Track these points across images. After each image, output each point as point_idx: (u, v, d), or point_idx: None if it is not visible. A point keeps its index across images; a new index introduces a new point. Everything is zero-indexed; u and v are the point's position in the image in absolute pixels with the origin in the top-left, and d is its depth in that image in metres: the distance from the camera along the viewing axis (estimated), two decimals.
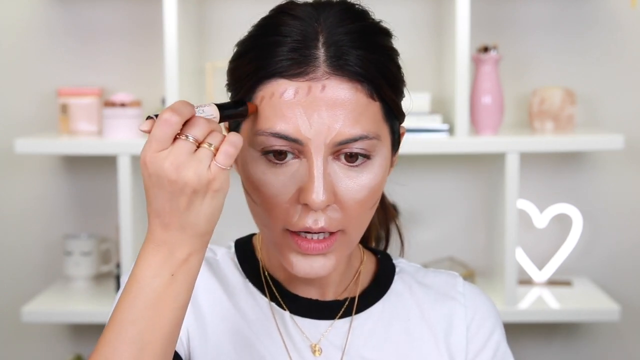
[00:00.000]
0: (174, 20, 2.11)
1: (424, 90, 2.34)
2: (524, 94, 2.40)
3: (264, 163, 0.96)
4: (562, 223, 2.41)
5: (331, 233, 0.97)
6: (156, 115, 0.87)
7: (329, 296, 1.08)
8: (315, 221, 0.95)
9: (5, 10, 2.39)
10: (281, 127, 0.94)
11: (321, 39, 0.95)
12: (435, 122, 2.19)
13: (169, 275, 0.88)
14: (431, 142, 2.16)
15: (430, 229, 2.42)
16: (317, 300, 1.07)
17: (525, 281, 2.37)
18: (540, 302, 2.26)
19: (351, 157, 0.95)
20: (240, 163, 0.99)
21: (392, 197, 1.21)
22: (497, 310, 1.13)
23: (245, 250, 1.11)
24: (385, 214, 1.20)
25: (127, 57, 2.39)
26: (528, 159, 2.33)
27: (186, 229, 0.88)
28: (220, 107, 0.92)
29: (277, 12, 0.99)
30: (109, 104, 2.18)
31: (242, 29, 1.02)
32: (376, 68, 0.96)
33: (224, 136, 0.88)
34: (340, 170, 0.96)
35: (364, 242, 1.18)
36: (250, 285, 1.08)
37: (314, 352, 1.05)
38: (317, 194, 0.93)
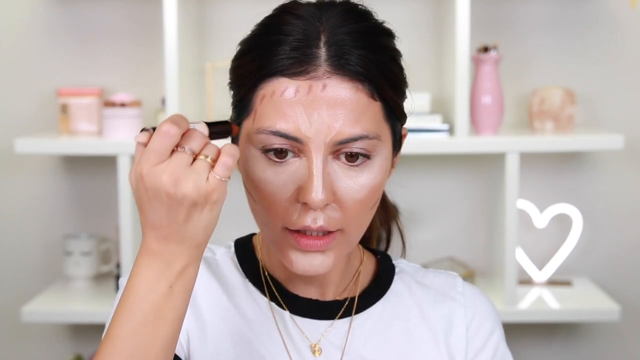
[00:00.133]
0: (174, 20, 2.11)
1: (424, 90, 2.34)
2: (524, 94, 2.40)
3: (264, 161, 0.96)
4: (562, 223, 2.41)
5: (330, 232, 0.97)
6: (153, 128, 0.87)
7: (329, 296, 1.08)
8: (314, 220, 0.95)
9: (5, 10, 2.39)
10: (281, 125, 0.94)
11: (323, 38, 0.95)
12: (435, 122, 2.19)
13: (167, 287, 0.88)
14: (431, 142, 2.16)
15: (430, 229, 2.43)
16: (317, 300, 1.07)
17: (525, 281, 2.37)
18: (540, 302, 2.26)
19: (351, 157, 0.95)
20: (242, 161, 0.99)
21: (392, 197, 1.21)
22: (497, 311, 1.13)
23: (245, 250, 1.11)
24: (387, 214, 1.20)
25: (127, 57, 2.39)
26: (528, 159, 2.34)
27: (184, 241, 0.87)
28: (207, 125, 0.91)
29: (280, 11, 1.00)
30: (109, 104, 2.18)
31: (242, 29, 1.03)
32: (378, 68, 0.96)
33: (220, 148, 0.88)
34: (340, 170, 0.96)
35: (365, 242, 1.18)
36: (250, 285, 1.08)
37: (313, 352, 1.05)
38: (316, 193, 0.93)
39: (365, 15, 1.00)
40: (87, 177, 2.43)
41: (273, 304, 1.07)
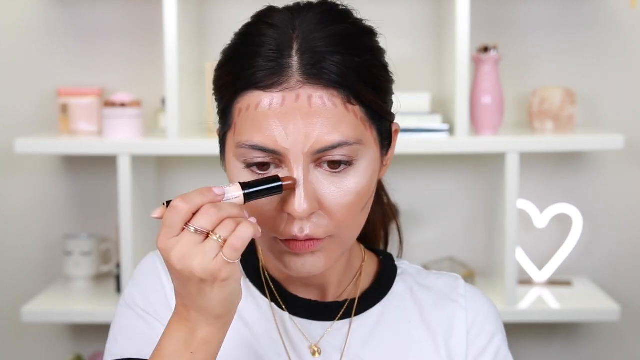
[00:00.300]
0: (174, 20, 2.11)
1: (424, 90, 2.34)
2: (524, 94, 2.40)
3: (247, 174, 0.96)
4: (562, 223, 2.41)
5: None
6: (169, 202, 0.88)
7: (329, 297, 1.08)
8: (301, 229, 0.95)
9: (5, 10, 2.39)
10: (258, 139, 0.93)
11: (295, 47, 0.94)
12: (435, 122, 2.18)
13: (189, 353, 0.90)
14: (431, 142, 2.16)
15: (430, 229, 2.42)
16: (316, 302, 1.07)
17: (525, 281, 2.37)
18: (540, 302, 2.26)
19: (333, 164, 0.95)
20: (228, 174, 0.99)
21: (391, 197, 1.21)
22: (499, 314, 1.13)
23: (247, 250, 1.10)
24: (384, 214, 1.19)
25: (127, 57, 2.39)
26: (528, 159, 2.34)
27: (202, 312, 0.90)
28: (249, 185, 0.91)
29: (256, 20, 0.99)
30: (109, 104, 2.18)
31: None
32: (355, 72, 0.94)
33: (237, 224, 0.88)
34: (323, 178, 0.95)
35: (370, 242, 1.18)
36: (250, 285, 1.08)
37: (313, 353, 1.05)
38: (299, 204, 0.93)
39: (342, 16, 0.98)
40: (87, 177, 2.43)
41: (273, 304, 1.07)
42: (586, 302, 2.26)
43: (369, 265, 1.13)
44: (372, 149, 0.98)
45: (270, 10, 0.99)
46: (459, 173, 2.42)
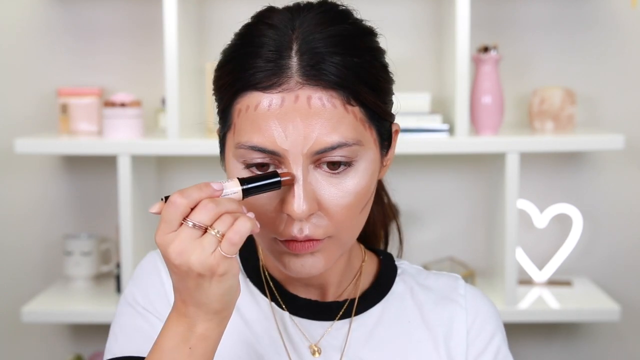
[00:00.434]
0: (174, 20, 2.11)
1: (424, 90, 2.34)
2: (524, 94, 2.40)
3: (247, 175, 0.96)
4: (562, 223, 2.41)
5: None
6: (167, 197, 0.88)
7: (329, 297, 1.08)
8: (300, 230, 0.95)
9: (5, 10, 2.39)
10: (258, 139, 0.94)
11: (294, 48, 0.94)
12: (435, 122, 2.18)
13: (187, 348, 0.90)
14: (431, 142, 2.16)
15: (430, 229, 2.42)
16: (316, 301, 1.07)
17: (525, 281, 2.37)
18: (540, 302, 2.26)
19: (333, 165, 0.95)
20: (227, 173, 0.99)
21: (392, 197, 1.21)
22: (499, 314, 1.13)
23: (247, 249, 1.11)
24: (384, 214, 1.19)
25: (127, 57, 2.39)
26: (528, 159, 2.34)
27: (201, 307, 0.90)
28: (248, 180, 0.92)
29: (256, 20, 0.99)
30: (109, 104, 2.18)
31: None
32: (354, 73, 0.94)
33: (235, 219, 0.88)
34: (322, 178, 0.95)
35: (371, 242, 1.18)
36: (250, 284, 1.08)
37: (313, 353, 1.05)
38: (298, 205, 0.93)
39: (342, 16, 0.98)
40: (87, 177, 2.43)
41: (273, 304, 1.07)
42: (586, 302, 2.26)
43: (369, 265, 1.13)
44: (371, 149, 0.98)
45: (270, 11, 0.99)
46: (459, 173, 2.42)
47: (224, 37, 1.03)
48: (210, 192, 0.89)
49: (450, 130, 2.19)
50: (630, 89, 2.40)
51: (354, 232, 1.00)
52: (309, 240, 0.95)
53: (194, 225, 0.87)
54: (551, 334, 2.47)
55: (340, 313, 1.07)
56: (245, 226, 0.88)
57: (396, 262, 1.15)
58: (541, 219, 2.38)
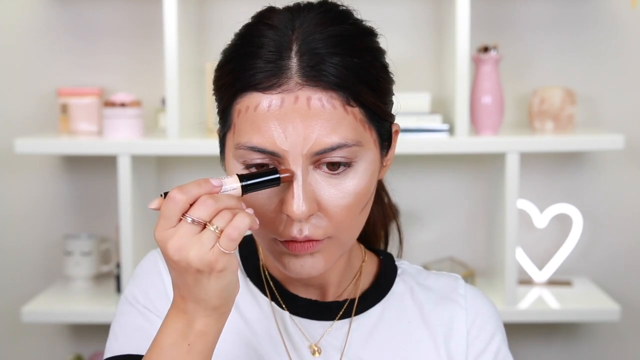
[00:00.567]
0: (174, 20, 2.11)
1: (424, 90, 2.34)
2: (524, 94, 2.40)
3: None
4: (562, 223, 2.41)
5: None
6: (166, 193, 0.89)
7: (329, 297, 1.08)
8: (300, 230, 0.95)
9: (5, 10, 2.39)
10: (257, 140, 0.94)
11: (294, 48, 0.94)
12: (435, 122, 2.18)
13: (186, 344, 0.90)
14: (431, 142, 2.16)
15: (430, 229, 2.42)
16: (316, 301, 1.07)
17: (525, 281, 2.37)
18: (540, 302, 2.26)
19: (332, 166, 0.95)
20: (227, 173, 0.99)
21: (392, 197, 1.21)
22: (499, 314, 1.13)
23: (247, 249, 1.11)
24: (384, 214, 1.19)
25: (127, 57, 2.39)
26: (528, 159, 2.34)
27: (199, 303, 0.90)
28: (247, 177, 0.92)
29: (256, 20, 0.99)
30: (109, 104, 2.18)
31: None
32: (354, 74, 0.94)
33: (234, 215, 0.88)
34: (322, 179, 0.95)
35: (371, 242, 1.18)
36: (251, 284, 1.09)
37: (313, 352, 1.05)
38: (298, 206, 0.93)
39: (342, 17, 0.98)
40: (87, 177, 2.43)
41: (273, 303, 1.07)
42: (586, 302, 2.26)
43: (369, 265, 1.13)
44: (371, 150, 0.98)
45: (270, 11, 0.99)
46: (459, 173, 2.42)
47: (224, 37, 1.03)
48: (210, 188, 0.89)
49: (450, 130, 2.19)
50: (630, 89, 2.40)
51: (353, 233, 1.00)
52: (309, 240, 0.95)
53: (193, 221, 0.87)
54: (551, 334, 2.47)
55: (340, 313, 1.07)
56: (244, 222, 0.88)
57: (396, 262, 1.15)
58: (541, 219, 2.38)
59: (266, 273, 1.09)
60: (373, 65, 0.97)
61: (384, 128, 1.00)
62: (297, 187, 0.93)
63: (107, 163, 2.37)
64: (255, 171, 0.93)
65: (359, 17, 1.00)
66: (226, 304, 0.91)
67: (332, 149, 0.93)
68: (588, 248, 2.44)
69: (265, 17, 0.98)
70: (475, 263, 2.42)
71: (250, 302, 1.07)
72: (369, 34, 1.00)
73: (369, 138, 0.97)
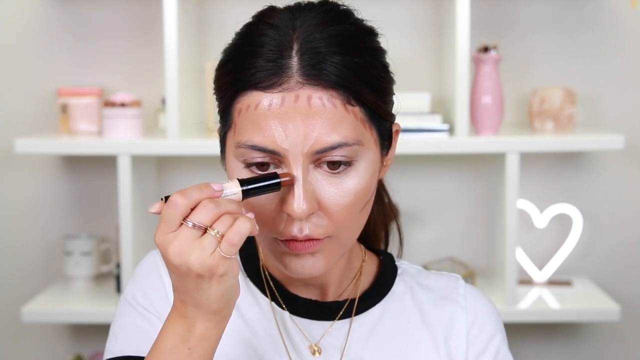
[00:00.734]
0: (174, 20, 2.11)
1: (424, 90, 2.34)
2: (524, 94, 2.40)
3: (247, 174, 0.96)
4: (562, 223, 2.41)
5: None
6: (167, 197, 0.88)
7: (329, 297, 1.08)
8: (300, 229, 0.95)
9: (5, 10, 2.39)
10: (258, 139, 0.94)
11: (295, 47, 0.94)
12: (435, 122, 2.18)
13: (187, 349, 0.90)
14: (431, 142, 2.16)
15: (430, 229, 2.42)
16: (317, 301, 1.07)
17: (525, 281, 2.37)
18: (540, 302, 2.26)
19: (333, 165, 0.95)
20: (228, 174, 0.99)
21: (392, 197, 1.21)
22: (499, 314, 1.13)
23: (247, 248, 1.11)
24: (385, 214, 1.19)
25: (127, 57, 2.39)
26: (528, 159, 2.34)
27: (200, 307, 0.90)
28: (247, 181, 0.92)
29: (257, 19, 0.99)
30: (109, 104, 2.18)
31: None
32: (355, 73, 0.94)
33: (235, 220, 0.88)
34: (322, 178, 0.95)
35: (371, 242, 1.18)
36: (251, 284, 1.09)
37: (313, 352, 1.05)
38: (298, 205, 0.93)
39: (343, 16, 0.98)
40: (87, 177, 2.43)
41: (274, 304, 1.07)
42: (586, 302, 2.26)
43: (369, 265, 1.13)
44: (372, 149, 0.98)
45: (271, 10, 0.99)
46: (459, 173, 2.42)
47: (224, 37, 1.03)
48: (211, 192, 0.89)
49: (450, 130, 2.19)
50: (630, 89, 2.40)
51: (354, 232, 1.00)
52: (309, 239, 0.95)
53: (194, 225, 0.87)
54: (551, 334, 2.47)
55: (341, 313, 1.07)
56: (245, 227, 0.88)
57: (396, 262, 1.15)
58: (541, 219, 2.38)
59: (266, 273, 1.09)
60: (373, 64, 0.97)
61: (384, 127, 1.00)
62: (298, 186, 0.93)
63: (107, 163, 2.37)
64: (255, 175, 0.93)
65: (359, 17, 1.00)
66: (227, 308, 0.91)
67: (333, 147, 0.94)
68: (588, 248, 2.44)
69: (266, 17, 0.98)
70: (475, 263, 2.42)
71: (250, 302, 1.07)
72: (370, 34, 1.00)
73: (370, 137, 0.97)
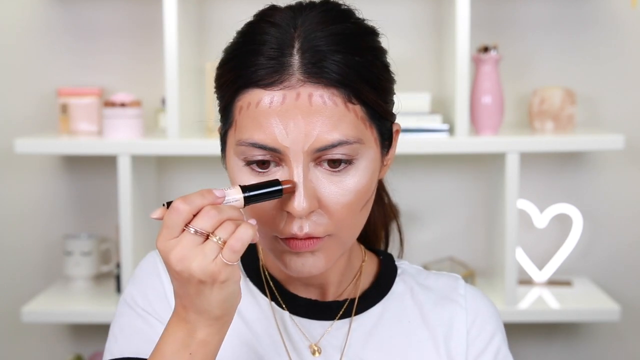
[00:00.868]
0: (174, 20, 2.11)
1: (424, 90, 2.34)
2: (524, 94, 2.40)
3: (248, 172, 0.96)
4: (562, 223, 2.41)
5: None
6: (169, 203, 0.88)
7: (329, 297, 1.08)
8: (300, 227, 0.95)
9: (5, 10, 2.39)
10: (259, 136, 0.94)
11: (296, 46, 0.94)
12: (435, 122, 2.18)
13: (188, 354, 0.91)
14: (431, 142, 2.16)
15: (430, 229, 2.42)
16: (316, 301, 1.07)
17: (525, 281, 2.37)
18: (540, 302, 2.26)
19: (333, 163, 0.95)
20: (229, 172, 1.00)
21: (392, 197, 1.21)
22: (499, 314, 1.13)
23: (247, 248, 1.10)
24: (385, 214, 1.19)
25: (127, 57, 2.39)
26: (528, 159, 2.34)
27: (201, 313, 0.90)
28: (249, 188, 0.92)
29: (258, 18, 0.99)
30: (109, 104, 2.18)
31: None
32: (356, 71, 0.95)
33: (237, 227, 0.88)
34: (323, 176, 0.95)
35: (371, 242, 1.18)
36: (250, 284, 1.09)
37: (313, 352, 1.05)
38: (299, 202, 0.93)
39: (344, 16, 0.99)
40: (87, 177, 2.43)
41: (273, 303, 1.07)
42: (586, 302, 2.26)
43: (369, 265, 1.13)
44: (372, 148, 0.98)
45: (272, 9, 0.99)
46: (459, 173, 2.42)
47: (224, 37, 1.03)
48: (213, 198, 0.89)
49: (450, 130, 2.19)
50: (630, 89, 2.40)
51: (354, 231, 1.00)
52: (309, 238, 0.96)
53: (196, 231, 0.87)
54: (551, 334, 2.47)
55: (340, 313, 1.07)
56: (247, 234, 0.88)
57: (396, 262, 1.15)
58: (541, 219, 2.38)
59: (266, 273, 1.09)
60: (375, 64, 0.98)
61: (384, 127, 1.00)
62: (298, 183, 0.93)
63: (107, 163, 2.37)
64: (257, 182, 0.93)
65: (360, 16, 1.01)
66: (228, 314, 0.91)
67: (333, 145, 0.94)
68: (588, 248, 2.44)
69: (267, 15, 0.98)
70: (475, 263, 2.42)
71: (250, 302, 1.07)
72: (371, 33, 1.00)
73: (370, 136, 0.97)
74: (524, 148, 2.16)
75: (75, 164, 2.43)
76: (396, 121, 1.04)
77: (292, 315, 1.07)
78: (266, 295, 1.07)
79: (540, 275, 2.38)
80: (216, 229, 0.88)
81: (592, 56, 2.39)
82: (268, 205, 0.95)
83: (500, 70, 2.29)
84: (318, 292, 1.08)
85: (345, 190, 0.95)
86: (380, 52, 1.00)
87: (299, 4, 0.99)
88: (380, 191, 1.19)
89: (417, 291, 1.11)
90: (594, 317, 2.24)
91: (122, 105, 2.17)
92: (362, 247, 1.14)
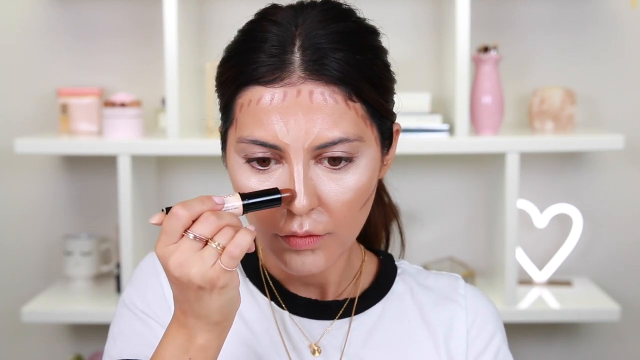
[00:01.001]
0: (174, 20, 2.11)
1: (424, 90, 2.34)
2: (524, 94, 2.40)
3: (248, 170, 0.96)
4: (562, 223, 2.41)
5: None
6: (168, 209, 0.89)
7: (329, 296, 1.08)
8: (300, 225, 0.95)
9: (5, 10, 2.39)
10: (259, 133, 0.94)
11: (298, 43, 0.94)
12: (435, 122, 2.18)
13: (187, 359, 0.91)
14: (431, 142, 2.16)
15: (430, 229, 2.42)
16: (316, 300, 1.07)
17: (525, 281, 2.37)
18: (540, 302, 2.26)
19: (334, 161, 0.95)
20: (229, 169, 1.00)
21: (392, 197, 1.21)
22: (499, 314, 1.13)
23: None
24: (385, 214, 1.19)
25: (127, 57, 2.39)
26: (528, 159, 2.34)
27: (201, 318, 0.90)
28: (248, 196, 0.92)
29: (259, 17, 1.00)
30: (109, 104, 2.18)
31: None
32: (357, 69, 0.95)
33: (236, 233, 0.88)
34: (323, 174, 0.95)
35: (371, 243, 1.18)
36: (250, 284, 1.09)
37: (313, 352, 1.05)
38: (299, 200, 0.93)
39: (345, 14, 0.99)
40: (87, 177, 2.43)
41: (273, 303, 1.07)
42: (586, 302, 2.26)
43: (369, 265, 1.13)
44: (372, 146, 0.98)
45: (274, 8, 1.00)
46: (459, 173, 2.42)
47: (224, 37, 1.04)
48: (212, 205, 0.89)
49: (450, 130, 2.19)
50: (630, 89, 2.40)
51: (354, 230, 1.00)
52: (309, 235, 0.96)
53: (195, 237, 0.87)
54: (551, 334, 2.47)
55: (340, 312, 1.07)
56: (246, 240, 0.88)
57: (396, 262, 1.15)
58: (541, 219, 2.38)
59: (265, 273, 1.09)
60: (375, 62, 0.98)
61: (385, 126, 1.00)
62: (298, 181, 0.93)
63: (107, 163, 2.37)
64: (257, 190, 0.94)
65: (361, 15, 1.01)
66: (227, 319, 0.91)
67: (334, 143, 0.94)
68: (588, 248, 2.44)
69: (268, 14, 0.98)
70: (475, 263, 2.42)
71: (250, 302, 1.07)
72: (372, 32, 1.00)
73: (370, 134, 0.98)
74: (524, 148, 2.16)
75: (75, 164, 2.43)
76: (396, 121, 1.04)
77: (291, 315, 1.07)
78: (266, 295, 1.08)
79: (540, 275, 2.38)
80: (215, 234, 0.88)
81: (592, 56, 2.39)
82: None
83: (500, 70, 2.29)
84: (318, 291, 1.08)
85: (345, 188, 0.96)
86: (381, 51, 1.00)
87: (300, 3, 1.00)
88: (381, 191, 1.19)
89: (417, 291, 1.11)
90: (594, 317, 2.24)
91: (122, 105, 2.17)
92: (362, 247, 1.14)
